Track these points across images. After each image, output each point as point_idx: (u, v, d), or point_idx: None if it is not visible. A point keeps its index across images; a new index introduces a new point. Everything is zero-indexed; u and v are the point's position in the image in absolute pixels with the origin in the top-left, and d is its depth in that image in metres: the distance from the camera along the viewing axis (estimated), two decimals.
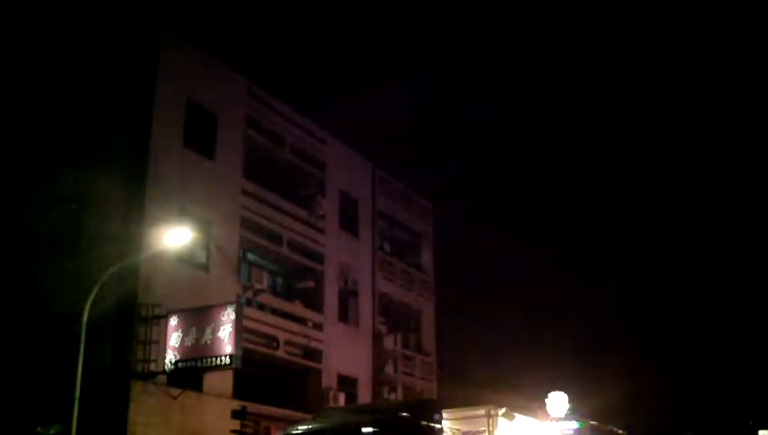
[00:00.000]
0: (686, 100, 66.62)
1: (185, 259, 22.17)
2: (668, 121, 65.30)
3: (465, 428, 17.45)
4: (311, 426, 14.80)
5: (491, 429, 17.11)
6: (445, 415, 16.91)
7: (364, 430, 13.30)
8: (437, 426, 15.24)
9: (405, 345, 32.66)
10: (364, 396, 28.60)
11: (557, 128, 66.66)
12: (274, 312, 25.89)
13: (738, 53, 63.51)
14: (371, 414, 14.35)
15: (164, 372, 20.47)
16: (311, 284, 27.96)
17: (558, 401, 29.65)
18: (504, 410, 17.35)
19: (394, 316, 32.93)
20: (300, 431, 14.58)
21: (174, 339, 20.39)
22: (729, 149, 61.42)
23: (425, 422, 14.74)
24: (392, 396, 30.52)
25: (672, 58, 66.80)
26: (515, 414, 17.70)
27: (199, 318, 20.30)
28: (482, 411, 17.57)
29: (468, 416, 17.80)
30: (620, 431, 26.98)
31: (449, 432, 16.82)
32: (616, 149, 63.99)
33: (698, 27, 63.52)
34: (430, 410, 15.75)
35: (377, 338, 30.60)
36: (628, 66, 68.71)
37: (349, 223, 30.33)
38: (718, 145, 63.28)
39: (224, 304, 20.48)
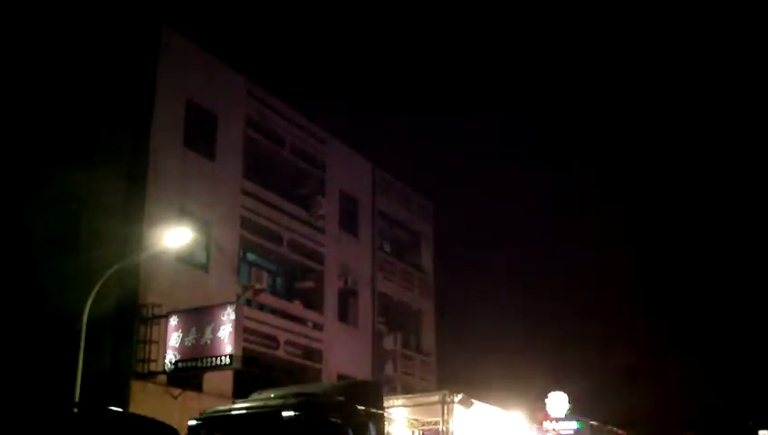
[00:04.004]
0: (686, 100, 66.66)
1: (185, 259, 22.18)
2: (669, 120, 65.29)
3: (424, 417, 15.69)
4: (230, 408, 13.14)
5: (446, 417, 15.37)
6: (399, 402, 15.99)
7: (285, 413, 11.52)
8: (378, 411, 13.46)
9: (405, 345, 32.65)
10: None
11: (557, 126, 66.66)
12: (274, 312, 25.90)
13: (738, 53, 63.53)
14: (295, 397, 12.39)
15: (164, 372, 20.47)
16: (311, 284, 27.97)
17: (558, 401, 29.63)
18: (460, 396, 15.59)
19: (394, 316, 32.94)
20: (216, 414, 12.86)
21: (174, 339, 20.39)
22: (729, 147, 61.44)
23: (362, 407, 12.89)
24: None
25: (672, 58, 66.82)
26: (473, 401, 15.95)
27: (199, 318, 20.30)
28: (436, 398, 15.85)
29: (423, 403, 16.20)
30: (620, 431, 26.99)
31: (406, 422, 15.39)
32: (616, 147, 63.99)
33: (698, 27, 63.53)
34: (371, 393, 13.89)
35: (377, 338, 30.61)
36: (629, 65, 68.72)
37: (349, 223, 30.34)
38: (718, 143, 63.28)
39: (224, 304, 20.47)
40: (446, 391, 15.93)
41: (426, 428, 15.60)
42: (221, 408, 13.53)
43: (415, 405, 16.17)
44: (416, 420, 15.68)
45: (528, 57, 68.41)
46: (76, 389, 17.23)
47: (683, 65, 65.26)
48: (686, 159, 64.37)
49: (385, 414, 14.06)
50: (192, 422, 12.49)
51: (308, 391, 13.38)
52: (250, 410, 12.47)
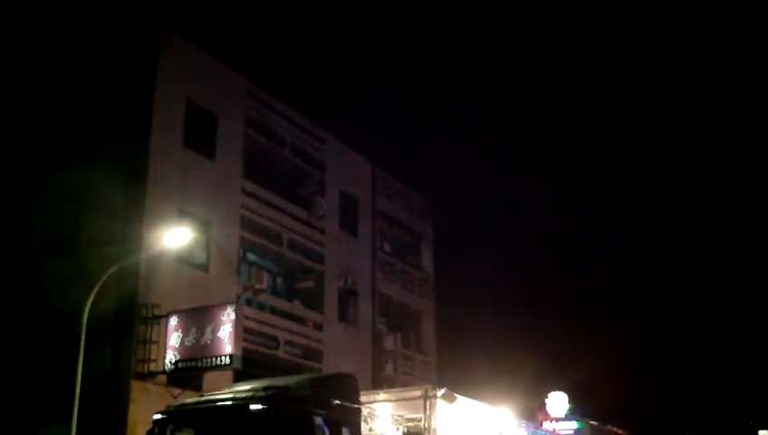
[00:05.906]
0: (686, 101, 66.66)
1: (185, 259, 22.17)
2: (669, 120, 65.31)
3: (407, 413, 14.99)
4: (197, 401, 12.57)
5: (428, 412, 14.66)
6: (380, 397, 15.50)
7: (252, 407, 10.86)
8: (353, 406, 12.78)
9: (405, 345, 32.64)
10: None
11: (558, 127, 66.66)
12: (274, 312, 25.89)
13: (738, 53, 63.54)
14: (265, 390, 11.70)
15: (164, 372, 20.46)
16: (311, 284, 27.96)
17: (558, 401, 29.70)
18: (443, 390, 14.96)
19: (394, 316, 32.94)
20: (182, 408, 12.31)
21: (174, 339, 20.38)
22: (729, 149, 61.46)
23: (337, 401, 12.23)
24: None
25: (672, 59, 66.81)
26: (457, 396, 15.34)
27: (199, 318, 20.29)
28: (418, 393, 15.15)
29: (405, 398, 15.54)
30: (620, 431, 27.03)
31: (391, 419, 14.63)
32: (616, 148, 64.02)
33: (699, 28, 63.55)
34: (347, 386, 13.23)
35: (377, 338, 30.60)
36: (628, 67, 68.72)
37: (349, 223, 30.34)
38: (718, 145, 63.31)
39: (224, 304, 20.46)
40: (429, 386, 15.41)
41: (410, 424, 15.29)
42: (189, 401, 13.07)
43: (397, 400, 15.51)
44: (399, 416, 14.96)
45: (530, 58, 68.41)
46: (76, 389, 17.24)
47: (683, 65, 65.28)
48: (686, 157, 64.39)
49: (364, 409, 13.56)
50: (157, 416, 11.89)
51: (281, 383, 12.76)
52: (217, 403, 11.96)
